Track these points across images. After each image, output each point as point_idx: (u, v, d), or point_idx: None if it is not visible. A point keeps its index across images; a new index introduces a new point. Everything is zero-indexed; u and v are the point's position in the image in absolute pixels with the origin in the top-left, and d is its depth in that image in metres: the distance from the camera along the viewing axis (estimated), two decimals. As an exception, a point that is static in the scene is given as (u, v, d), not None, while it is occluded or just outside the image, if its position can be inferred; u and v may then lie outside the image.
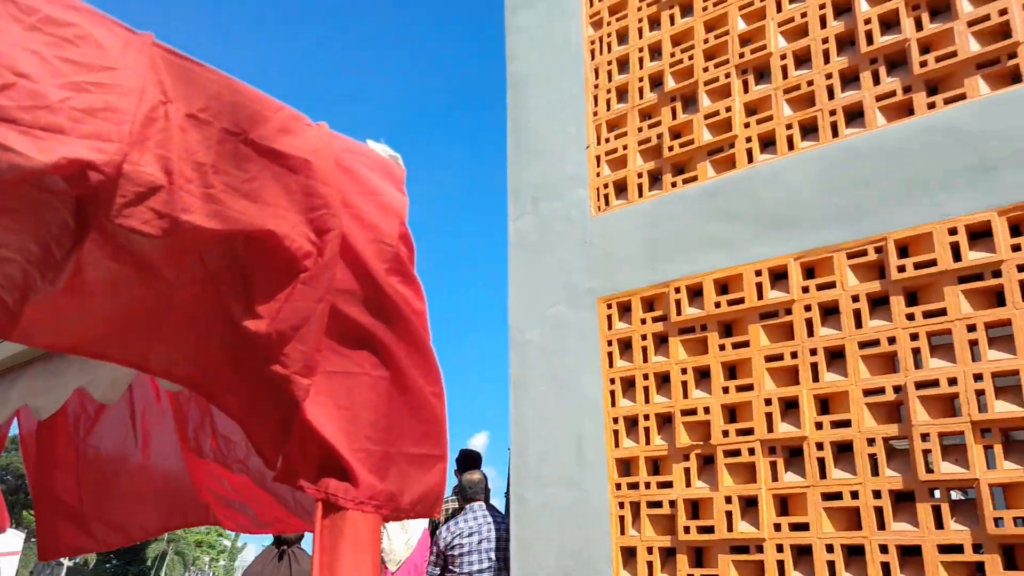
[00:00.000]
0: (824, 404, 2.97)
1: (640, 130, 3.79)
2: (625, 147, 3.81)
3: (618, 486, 3.33)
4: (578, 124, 3.99)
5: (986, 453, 2.59)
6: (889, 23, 3.14)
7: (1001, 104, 2.78)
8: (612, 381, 3.50)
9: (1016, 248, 2.66)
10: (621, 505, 3.29)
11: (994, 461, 2.57)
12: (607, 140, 3.89)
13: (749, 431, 3.05)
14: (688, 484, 3.15)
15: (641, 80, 3.84)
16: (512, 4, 4.44)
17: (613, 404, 3.47)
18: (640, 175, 3.73)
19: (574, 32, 4.14)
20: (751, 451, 3.01)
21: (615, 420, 3.43)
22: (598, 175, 3.87)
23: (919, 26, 3.04)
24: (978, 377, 2.62)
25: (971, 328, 2.68)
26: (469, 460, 4.43)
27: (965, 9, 2.94)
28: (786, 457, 2.97)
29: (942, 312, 2.75)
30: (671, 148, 3.62)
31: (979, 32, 2.89)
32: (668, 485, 3.20)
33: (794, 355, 3.02)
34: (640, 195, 3.70)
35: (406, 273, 1.20)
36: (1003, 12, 2.84)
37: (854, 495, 2.76)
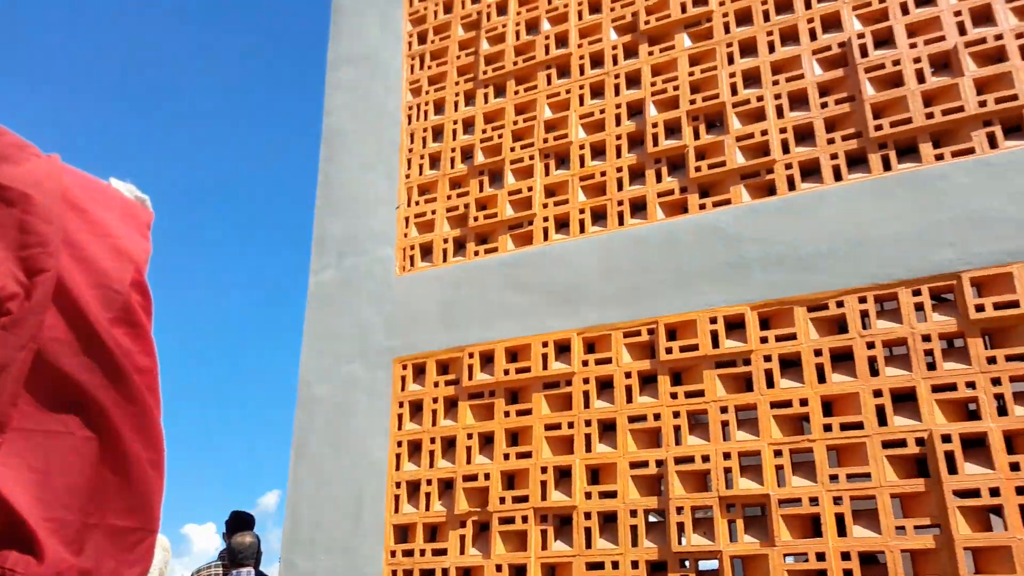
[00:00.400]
0: (595, 474, 3.11)
1: (449, 198, 3.88)
2: (433, 212, 3.88)
3: (393, 553, 3.26)
4: (390, 184, 4.02)
5: (730, 527, 2.82)
6: (673, 129, 3.47)
7: (758, 212, 3.15)
8: (399, 444, 3.46)
9: (764, 340, 2.98)
10: (394, 573, 3.22)
11: (736, 534, 2.80)
12: (416, 203, 3.95)
13: (524, 498, 3.12)
14: (462, 551, 3.15)
15: (453, 151, 3.95)
16: (334, 60, 4.44)
17: (397, 468, 3.43)
18: (446, 240, 3.80)
19: (393, 96, 4.21)
20: (524, 519, 3.08)
21: (398, 484, 3.38)
22: (405, 236, 3.90)
23: (696, 135, 3.40)
24: (727, 455, 2.87)
25: (723, 410, 2.95)
26: (240, 521, 4.15)
27: (735, 125, 3.33)
28: (557, 526, 3.06)
29: (701, 393, 3.01)
30: (476, 219, 3.73)
31: (745, 147, 3.28)
32: (443, 552, 3.18)
33: (571, 425, 3.16)
34: (444, 260, 3.77)
35: (135, 324, 1.12)
36: (764, 132, 3.25)
37: (615, 565, 2.89)
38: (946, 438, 2.58)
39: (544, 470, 3.12)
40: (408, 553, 3.25)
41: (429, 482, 3.33)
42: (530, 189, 3.66)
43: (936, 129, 2.95)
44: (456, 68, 4.12)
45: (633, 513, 2.93)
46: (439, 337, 3.59)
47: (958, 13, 3.07)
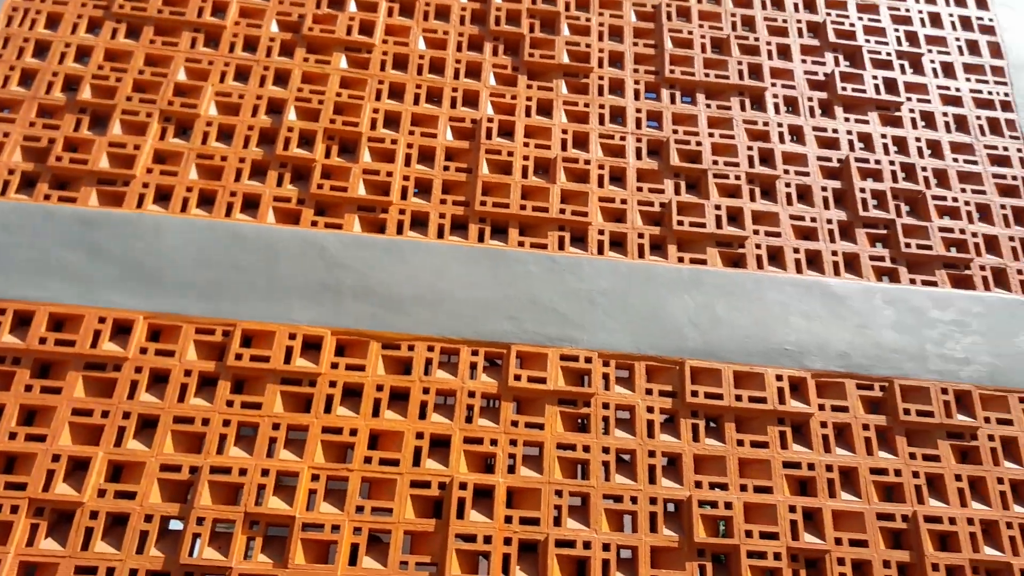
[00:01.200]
0: (117, 471, 2.82)
1: (33, 125, 3.31)
2: (6, 135, 3.26)
3: None
4: (-45, 84, 3.28)
5: (247, 544, 2.77)
6: (308, 140, 3.46)
7: (365, 245, 3.25)
8: None
9: (335, 366, 3.04)
10: None
11: (252, 552, 2.75)
12: (-14, 118, 3.28)
13: (22, 486, 2.69)
14: (-85, 540, 2.58)
15: (55, 75, 3.39)
16: (-74, -91, 3.54)
17: None
18: (11, 172, 3.21)
19: (-4, -16, 3.49)
20: (14, 509, 2.65)
21: None
22: (-43, 151, 3.19)
23: (328, 154, 3.42)
24: (265, 472, 2.84)
25: (276, 426, 2.92)
26: None
27: (366, 157, 3.43)
28: (53, 521, 2.69)
29: (258, 406, 2.94)
30: (60, 159, 3.23)
31: (369, 181, 3.39)
32: None
33: (105, 414, 2.84)
34: (3, 193, 3.17)
35: None
36: (389, 173, 3.40)
37: (110, 572, 2.62)
38: (463, 486, 2.89)
39: (56, 458, 2.74)
40: None
41: None
42: (136, 147, 3.29)
43: (524, 220, 3.40)
44: (87, -12, 3.59)
45: (148, 518, 2.71)
46: (-33, 280, 2.98)
47: (565, 132, 3.63)
